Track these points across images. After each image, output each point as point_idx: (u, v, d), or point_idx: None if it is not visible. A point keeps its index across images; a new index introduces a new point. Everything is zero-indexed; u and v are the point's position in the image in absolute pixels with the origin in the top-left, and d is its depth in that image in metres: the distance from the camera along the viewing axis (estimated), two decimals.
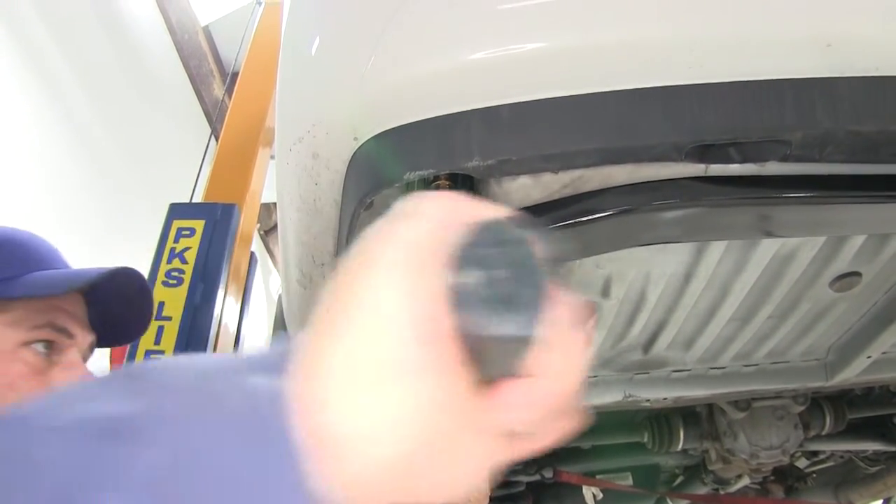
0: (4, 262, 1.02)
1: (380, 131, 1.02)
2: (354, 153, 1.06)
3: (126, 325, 1.17)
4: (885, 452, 2.61)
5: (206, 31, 7.38)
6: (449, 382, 0.39)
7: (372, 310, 0.38)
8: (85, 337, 1.08)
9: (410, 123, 1.00)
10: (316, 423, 0.37)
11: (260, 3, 5.28)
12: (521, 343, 0.39)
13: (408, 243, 0.40)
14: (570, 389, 0.41)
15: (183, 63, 6.93)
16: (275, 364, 0.40)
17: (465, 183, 1.19)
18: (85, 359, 1.09)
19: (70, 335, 1.05)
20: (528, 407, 0.40)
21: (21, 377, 0.97)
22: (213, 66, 7.42)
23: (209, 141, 5.12)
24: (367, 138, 1.04)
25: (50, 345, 1.02)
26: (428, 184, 1.20)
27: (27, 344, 0.99)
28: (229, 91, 5.45)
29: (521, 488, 2.57)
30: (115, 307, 1.12)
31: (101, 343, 1.13)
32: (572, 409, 0.44)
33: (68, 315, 1.05)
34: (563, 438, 0.45)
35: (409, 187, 1.25)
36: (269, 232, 8.09)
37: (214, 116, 6.65)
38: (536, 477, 2.44)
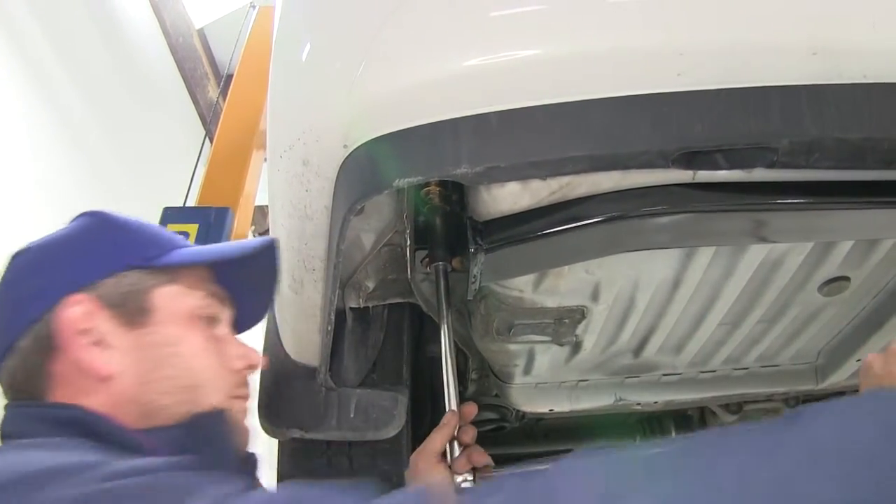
0: (151, 240, 1.04)
1: (370, 138, 1.03)
2: (345, 160, 1.06)
3: (249, 308, 1.16)
4: None
5: (201, 34, 7.36)
6: None
7: None
8: (230, 310, 1.10)
9: (400, 130, 1.00)
10: None
11: (254, 7, 5.28)
12: None
13: None
14: None
15: (177, 65, 6.92)
16: None
17: (455, 190, 1.20)
18: None
19: (224, 303, 1.08)
20: None
21: (208, 340, 1.00)
22: (207, 68, 7.41)
23: (203, 143, 5.12)
24: (357, 145, 1.04)
25: (208, 316, 1.04)
26: (419, 189, 1.21)
27: (199, 311, 1.01)
28: (224, 93, 5.45)
29: None
30: (244, 287, 1.12)
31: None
32: None
33: (219, 288, 1.07)
34: None
35: (399, 194, 1.26)
36: (263, 234, 8.09)
37: (209, 119, 6.65)
38: None
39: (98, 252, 1.00)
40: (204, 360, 0.98)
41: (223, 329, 1.07)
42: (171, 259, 1.01)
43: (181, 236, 1.10)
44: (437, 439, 1.24)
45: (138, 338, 0.95)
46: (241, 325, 1.14)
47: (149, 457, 0.84)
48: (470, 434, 1.24)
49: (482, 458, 1.22)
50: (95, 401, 0.90)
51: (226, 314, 1.08)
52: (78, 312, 0.92)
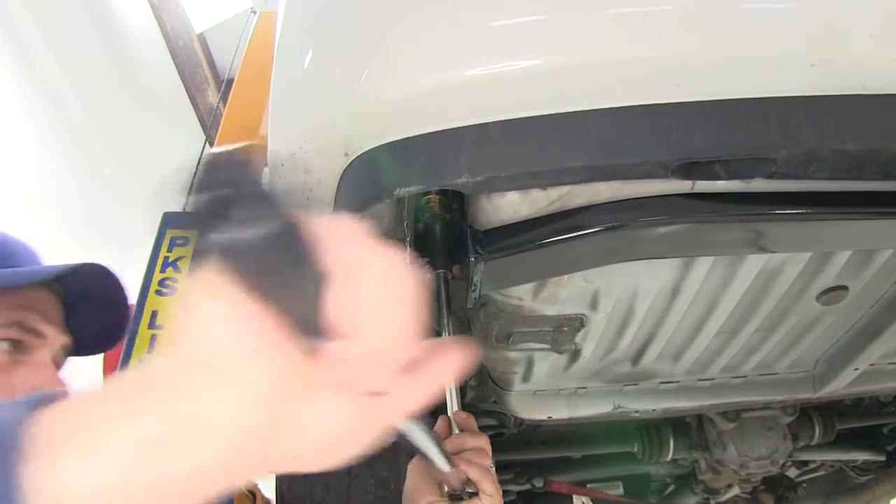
0: None
1: (371, 147, 1.03)
2: (346, 168, 1.07)
3: (105, 328, 1.14)
4: (875, 462, 2.63)
5: (201, 38, 7.37)
6: (278, 359, 0.42)
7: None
8: (57, 337, 1.04)
9: (401, 140, 1.01)
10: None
11: (255, 12, 5.28)
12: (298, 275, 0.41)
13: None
14: (396, 341, 0.43)
15: (178, 70, 6.92)
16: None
17: (455, 199, 1.20)
18: (57, 361, 1.06)
19: (39, 335, 1.02)
20: (352, 362, 0.42)
21: None
22: (207, 73, 7.41)
23: (203, 148, 5.11)
24: (358, 154, 1.04)
25: (17, 343, 0.99)
26: (419, 198, 1.21)
27: None
28: (224, 98, 5.45)
29: (512, 497, 2.57)
30: (90, 308, 1.09)
31: (82, 350, 1.09)
32: (430, 367, 0.47)
33: (39, 314, 1.02)
34: (430, 398, 0.48)
35: (400, 202, 1.26)
36: None
37: (209, 123, 6.65)
38: (527, 486, 2.45)
39: None
40: None
41: (38, 358, 1.01)
42: None
43: (27, 251, 1.06)
44: None
45: None
46: (90, 348, 1.11)
47: None
48: (451, 445, 1.21)
49: (484, 458, 1.21)
50: None
51: (43, 343, 1.02)
52: None
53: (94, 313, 1.10)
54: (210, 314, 0.42)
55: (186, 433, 0.40)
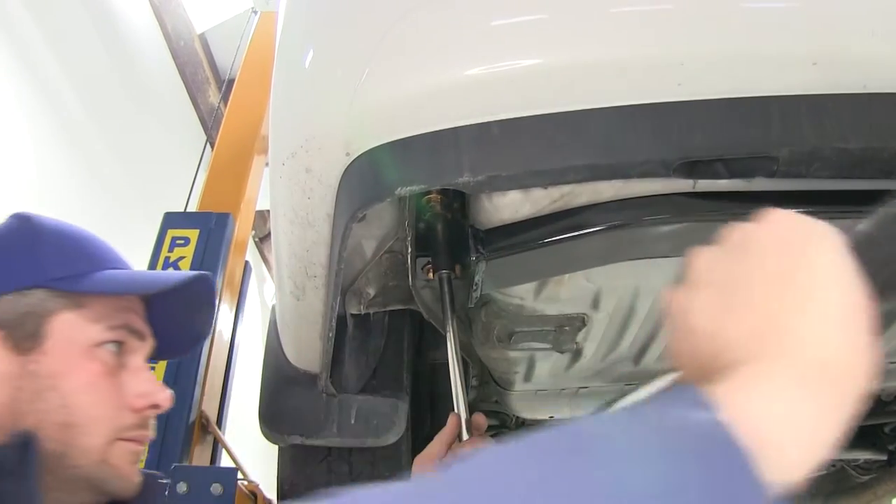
0: (74, 256, 0.98)
1: (372, 146, 1.03)
2: (347, 168, 1.07)
3: (181, 337, 1.12)
4: (877, 461, 2.62)
5: (202, 39, 7.38)
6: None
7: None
8: (150, 340, 1.04)
9: (402, 139, 1.01)
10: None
11: (256, 12, 5.29)
12: None
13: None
14: None
15: (179, 70, 6.93)
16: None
17: (457, 198, 1.20)
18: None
19: (142, 337, 1.01)
20: None
21: (99, 376, 0.93)
22: (208, 73, 7.42)
23: (204, 148, 5.12)
24: (359, 153, 1.04)
25: (120, 346, 0.98)
26: (420, 197, 1.21)
27: (102, 344, 0.95)
28: (225, 98, 5.45)
29: None
30: (177, 316, 1.07)
31: (160, 354, 1.08)
32: None
33: (138, 316, 1.01)
34: None
35: (401, 201, 1.26)
36: (263, 239, 8.08)
37: (210, 124, 6.65)
38: None
39: (7, 263, 0.94)
40: (87, 397, 0.91)
41: (136, 362, 0.99)
42: (82, 284, 0.95)
43: (120, 258, 1.04)
44: (437, 444, 1.24)
45: (22, 365, 0.89)
46: (168, 352, 1.09)
47: None
48: (468, 448, 1.23)
49: None
50: None
51: (142, 346, 1.01)
52: None
53: (179, 318, 1.08)
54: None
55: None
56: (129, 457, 0.96)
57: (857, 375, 0.50)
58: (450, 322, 1.29)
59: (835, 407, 0.49)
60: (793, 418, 0.48)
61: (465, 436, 1.24)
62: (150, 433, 1.00)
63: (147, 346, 1.02)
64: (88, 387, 0.92)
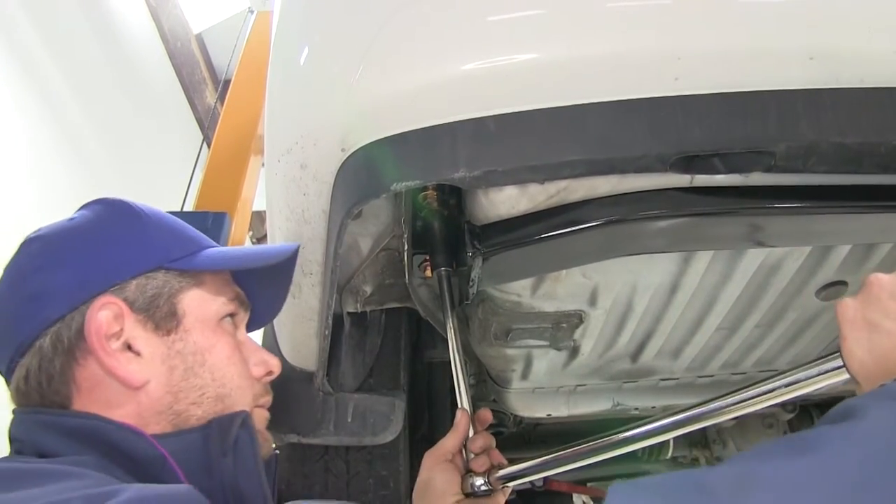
0: (183, 237, 1.00)
1: (367, 142, 1.02)
2: (342, 164, 1.06)
3: (263, 309, 1.14)
4: None
5: (199, 39, 7.38)
6: None
7: None
8: (249, 313, 1.08)
9: (398, 134, 1.00)
10: None
11: (252, 12, 5.29)
12: None
13: None
14: None
15: (175, 71, 6.93)
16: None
17: (453, 194, 1.20)
18: None
19: (248, 308, 1.05)
20: None
21: (234, 348, 0.98)
22: (205, 73, 7.42)
23: (201, 148, 5.12)
24: (354, 149, 1.04)
25: (233, 318, 1.02)
26: (416, 194, 1.21)
27: (224, 317, 0.99)
28: (221, 99, 5.45)
29: (512, 496, 2.56)
30: (262, 290, 1.10)
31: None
32: None
33: (241, 292, 1.05)
34: None
35: (397, 198, 1.26)
36: (261, 240, 8.07)
37: (206, 124, 6.66)
38: (527, 485, 2.44)
39: (123, 248, 0.94)
40: (231, 367, 0.96)
41: (243, 332, 1.04)
42: (198, 262, 0.98)
43: (203, 235, 1.06)
44: (450, 440, 1.24)
45: (168, 345, 0.92)
46: (250, 326, 1.11)
47: (169, 473, 0.81)
48: (479, 443, 1.24)
49: (497, 458, 1.22)
50: (122, 412, 0.86)
51: (245, 317, 1.06)
52: (107, 316, 0.88)
53: (263, 291, 1.12)
54: None
55: None
56: (265, 422, 1.03)
57: None
58: (450, 318, 1.28)
59: None
60: None
61: (470, 432, 1.24)
62: (270, 399, 1.05)
63: (247, 317, 1.07)
64: (230, 358, 0.96)
